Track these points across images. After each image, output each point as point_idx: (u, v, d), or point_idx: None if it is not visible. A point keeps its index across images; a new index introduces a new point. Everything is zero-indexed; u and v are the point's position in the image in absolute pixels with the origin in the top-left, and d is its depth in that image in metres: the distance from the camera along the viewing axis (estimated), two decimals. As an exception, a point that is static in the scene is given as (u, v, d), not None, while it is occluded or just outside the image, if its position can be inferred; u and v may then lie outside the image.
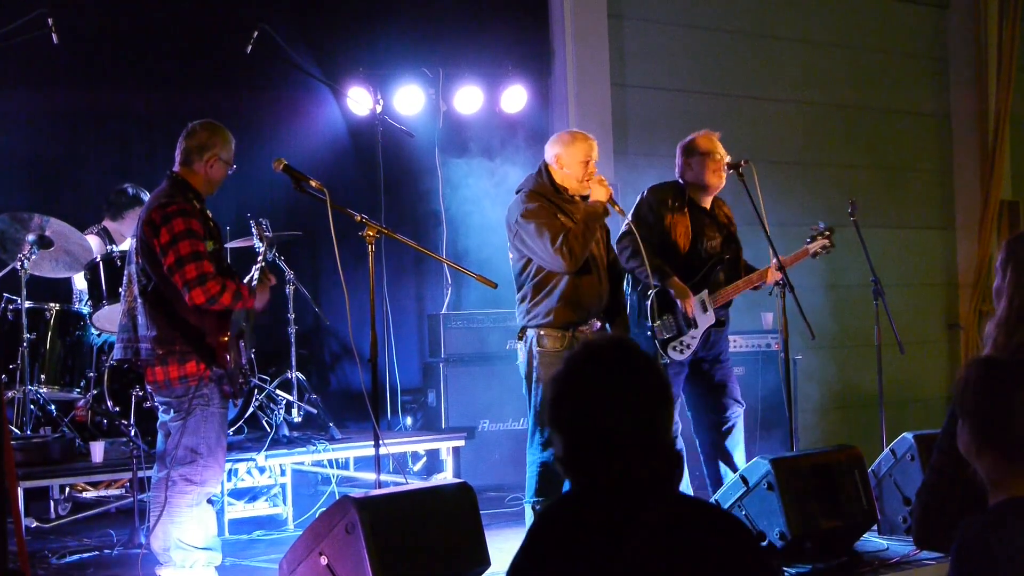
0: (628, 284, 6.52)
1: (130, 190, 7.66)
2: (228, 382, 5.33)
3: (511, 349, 7.84)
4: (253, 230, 6.48)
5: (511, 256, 6.06)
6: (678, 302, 6.43)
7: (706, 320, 6.50)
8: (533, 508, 5.93)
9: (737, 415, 6.60)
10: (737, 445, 6.58)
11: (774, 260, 6.47)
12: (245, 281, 5.71)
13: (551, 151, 6.06)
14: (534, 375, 5.93)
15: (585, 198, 6.05)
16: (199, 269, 5.15)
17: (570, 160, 5.99)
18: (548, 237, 5.78)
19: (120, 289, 5.84)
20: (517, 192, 6.11)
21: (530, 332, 5.95)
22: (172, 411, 5.31)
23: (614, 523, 2.37)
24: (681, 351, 6.47)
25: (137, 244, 5.35)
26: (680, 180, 6.72)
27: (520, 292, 6.02)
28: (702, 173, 6.61)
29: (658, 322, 6.43)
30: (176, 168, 5.44)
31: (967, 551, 2.71)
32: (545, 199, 5.95)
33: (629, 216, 6.35)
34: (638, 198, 6.64)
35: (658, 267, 6.37)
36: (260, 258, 6.00)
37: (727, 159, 6.63)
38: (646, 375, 2.43)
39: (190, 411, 5.23)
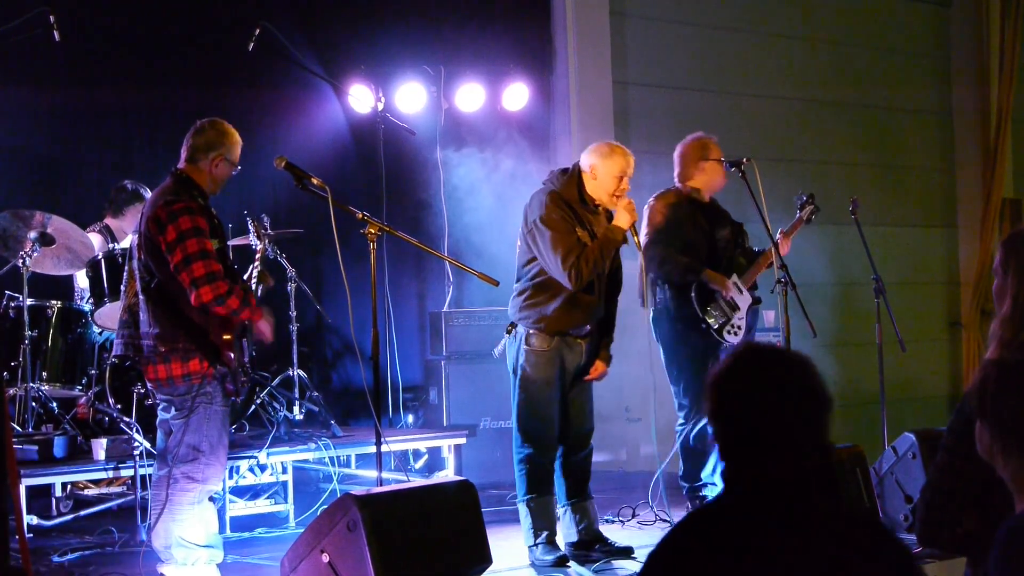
0: (659, 285, 6.62)
1: (129, 186, 7.66)
2: (231, 380, 5.32)
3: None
4: (250, 227, 6.48)
5: (519, 245, 6.03)
6: (717, 290, 6.62)
7: (745, 300, 6.74)
8: (527, 505, 5.92)
9: None
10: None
11: (778, 236, 6.70)
12: (244, 278, 5.72)
13: (587, 160, 5.99)
14: (520, 373, 5.94)
15: (607, 209, 6.03)
16: (207, 267, 5.12)
17: (605, 173, 5.94)
18: (561, 253, 5.75)
19: (122, 287, 5.83)
20: (543, 183, 6.09)
21: (520, 328, 5.96)
22: (174, 409, 5.29)
23: (781, 517, 2.41)
24: (735, 333, 6.68)
25: (141, 240, 5.31)
26: (678, 184, 6.82)
27: (519, 284, 6.00)
28: (715, 177, 6.79)
29: (708, 313, 6.62)
30: (181, 165, 5.40)
31: (1011, 556, 2.67)
32: (567, 207, 5.90)
33: (642, 234, 6.47)
34: (645, 211, 6.67)
35: (688, 264, 6.57)
36: (258, 256, 6.00)
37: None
38: (814, 378, 2.50)
39: (193, 409, 5.21)
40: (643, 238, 6.50)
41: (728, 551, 2.41)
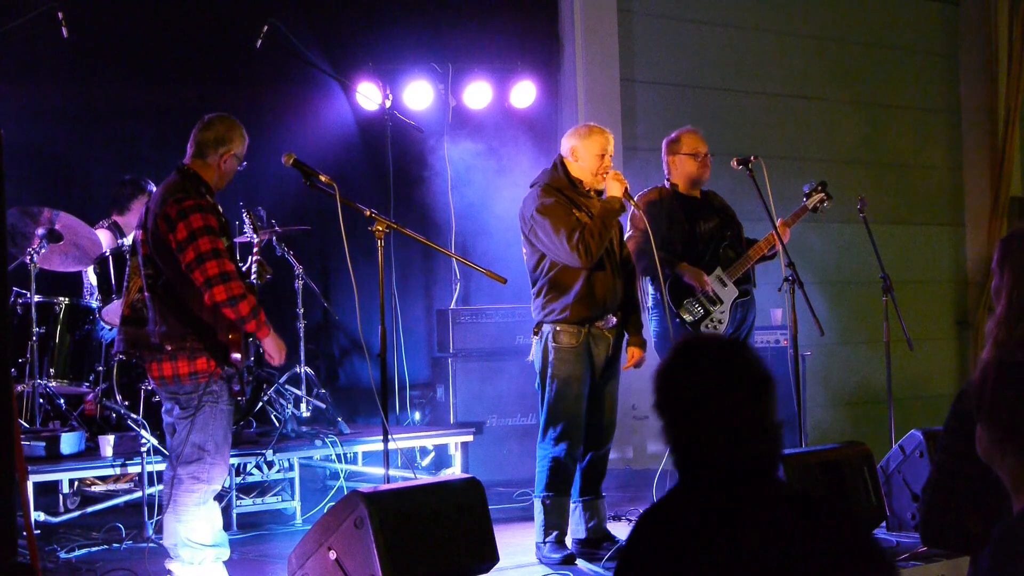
0: (651, 284, 6.60)
1: (130, 180, 7.67)
2: (237, 380, 5.31)
3: (520, 344, 7.87)
4: (245, 219, 6.47)
5: (525, 251, 6.05)
6: (694, 283, 6.56)
7: (729, 294, 6.69)
8: (543, 502, 5.94)
9: None
10: None
11: (778, 223, 6.66)
12: (243, 269, 5.70)
13: (567, 144, 6.05)
14: (549, 371, 5.93)
15: (600, 193, 6.04)
16: (221, 267, 5.07)
17: (585, 153, 5.99)
18: (564, 234, 5.78)
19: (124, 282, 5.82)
20: (532, 186, 6.10)
21: (546, 327, 5.96)
22: (179, 407, 5.26)
23: (723, 508, 2.42)
24: (715, 327, 6.63)
25: (146, 236, 5.25)
26: (667, 179, 6.84)
27: (535, 287, 6.03)
28: (688, 170, 6.76)
29: (682, 307, 6.58)
30: (187, 161, 5.34)
31: (1004, 557, 2.67)
32: (560, 193, 5.94)
33: (626, 234, 6.43)
34: (630, 213, 6.68)
35: (664, 258, 6.47)
36: (256, 248, 6.00)
37: (706, 152, 6.80)
38: (747, 363, 2.52)
39: (199, 407, 5.17)
40: (627, 233, 6.50)
41: (677, 542, 2.44)
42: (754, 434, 2.47)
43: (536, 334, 6.03)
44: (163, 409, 5.41)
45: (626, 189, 5.97)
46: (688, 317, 6.56)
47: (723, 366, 2.50)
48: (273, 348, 5.39)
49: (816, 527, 2.41)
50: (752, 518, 2.40)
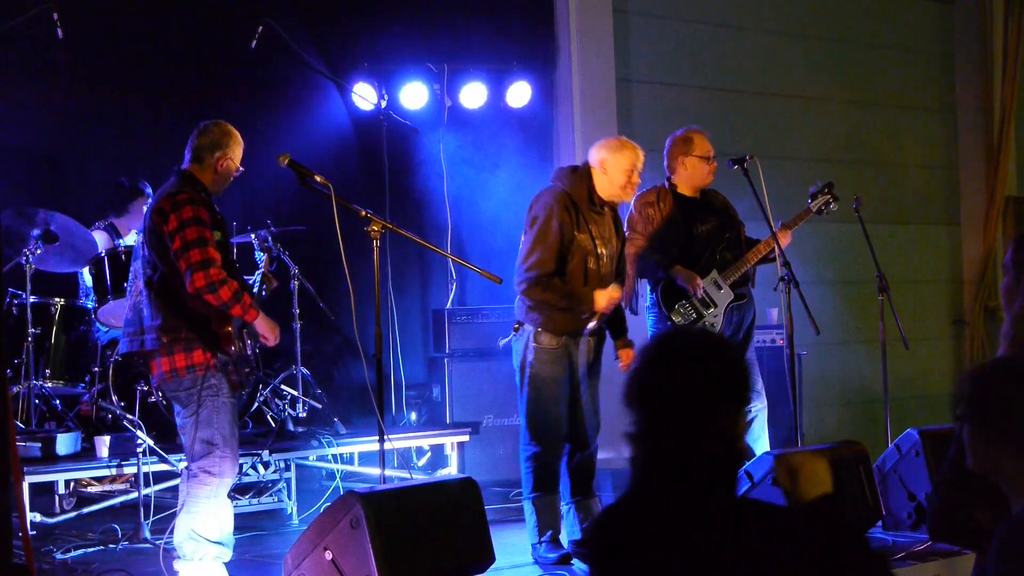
0: (648, 287, 6.57)
1: (126, 182, 7.67)
2: (234, 371, 5.34)
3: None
4: (254, 241, 6.48)
5: (522, 239, 6.02)
6: (686, 286, 6.48)
7: (724, 297, 6.62)
8: (533, 504, 5.93)
9: (758, 408, 6.60)
10: (758, 439, 6.59)
11: (777, 226, 6.59)
12: (250, 282, 5.73)
13: (596, 155, 5.98)
14: (528, 370, 5.92)
15: (612, 208, 6.02)
16: (203, 255, 5.15)
17: (614, 167, 5.94)
18: (535, 257, 5.79)
19: (125, 285, 5.84)
20: (552, 182, 6.07)
21: (528, 326, 5.95)
22: (180, 406, 5.30)
23: (680, 509, 2.38)
24: None
25: (144, 235, 5.35)
26: (668, 177, 6.76)
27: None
28: (696, 174, 6.67)
29: (674, 311, 6.51)
30: (185, 165, 5.45)
31: (1008, 557, 2.66)
32: (573, 207, 5.89)
33: (627, 220, 6.40)
34: (628, 215, 6.65)
35: (658, 261, 6.43)
36: (262, 266, 6.03)
37: (712, 155, 6.70)
38: (718, 363, 2.45)
39: (201, 403, 5.23)
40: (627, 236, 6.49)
41: (632, 543, 2.40)
42: (706, 438, 2.40)
43: (517, 330, 6.02)
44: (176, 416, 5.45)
45: (604, 311, 5.91)
46: (680, 320, 6.50)
47: (689, 364, 2.44)
48: (265, 329, 5.49)
49: (780, 533, 2.36)
50: (709, 514, 2.36)
